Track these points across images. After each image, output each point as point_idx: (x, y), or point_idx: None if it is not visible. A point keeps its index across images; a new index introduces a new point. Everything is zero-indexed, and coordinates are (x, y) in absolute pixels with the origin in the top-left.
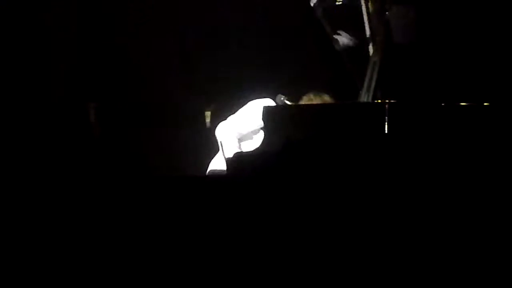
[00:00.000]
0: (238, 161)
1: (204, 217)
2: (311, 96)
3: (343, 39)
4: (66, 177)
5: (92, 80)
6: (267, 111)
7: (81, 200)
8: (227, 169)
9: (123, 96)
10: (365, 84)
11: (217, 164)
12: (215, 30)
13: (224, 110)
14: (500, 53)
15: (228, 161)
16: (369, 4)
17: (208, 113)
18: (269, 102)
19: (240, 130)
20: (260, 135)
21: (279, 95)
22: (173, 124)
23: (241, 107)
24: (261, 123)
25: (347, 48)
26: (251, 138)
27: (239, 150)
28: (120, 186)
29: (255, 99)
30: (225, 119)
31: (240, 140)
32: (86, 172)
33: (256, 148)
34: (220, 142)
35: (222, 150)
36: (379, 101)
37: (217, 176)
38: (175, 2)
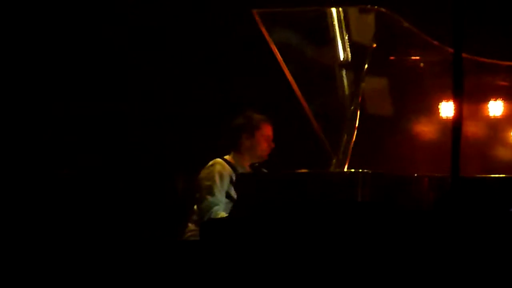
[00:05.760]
0: (211, 227)
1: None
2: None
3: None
4: None
5: None
6: (241, 178)
7: None
8: (200, 234)
9: None
10: (340, 152)
11: None
12: None
13: None
14: None
15: (202, 227)
16: (344, 73)
17: None
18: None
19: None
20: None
21: (254, 164)
22: None
23: None
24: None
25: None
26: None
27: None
28: None
29: None
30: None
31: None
32: None
33: (228, 215)
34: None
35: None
36: (353, 170)
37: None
38: None
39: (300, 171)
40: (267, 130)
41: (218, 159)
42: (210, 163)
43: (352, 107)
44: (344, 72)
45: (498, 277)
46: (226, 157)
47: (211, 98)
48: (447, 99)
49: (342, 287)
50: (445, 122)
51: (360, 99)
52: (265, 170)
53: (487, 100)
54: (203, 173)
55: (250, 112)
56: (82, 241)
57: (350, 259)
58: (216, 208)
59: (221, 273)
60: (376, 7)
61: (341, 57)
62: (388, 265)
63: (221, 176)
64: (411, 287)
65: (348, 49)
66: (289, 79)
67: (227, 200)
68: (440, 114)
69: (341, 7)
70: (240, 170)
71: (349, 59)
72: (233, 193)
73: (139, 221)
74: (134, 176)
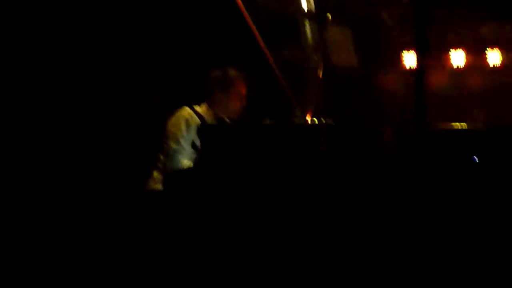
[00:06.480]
0: (175, 177)
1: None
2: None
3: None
4: None
5: None
6: (203, 129)
7: None
8: (164, 184)
9: None
10: (304, 103)
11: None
12: None
13: None
14: None
15: (166, 178)
16: (307, 23)
17: None
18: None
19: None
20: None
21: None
22: None
23: None
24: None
25: (285, 63)
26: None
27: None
28: None
29: None
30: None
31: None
32: None
33: (193, 166)
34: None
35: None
36: (316, 121)
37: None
38: None
39: (264, 122)
40: (241, 88)
41: (186, 107)
42: (178, 110)
43: (316, 58)
44: (307, 23)
45: (459, 226)
46: (196, 107)
47: (176, 51)
48: (410, 51)
49: (304, 237)
50: (408, 73)
51: (323, 49)
52: (228, 121)
53: (450, 50)
54: (170, 120)
55: (227, 68)
56: (49, 193)
57: (314, 209)
58: (178, 156)
59: (183, 224)
60: None
61: (305, 8)
62: (349, 214)
63: (188, 125)
64: (372, 238)
65: (312, 0)
66: (253, 31)
67: (192, 150)
68: (404, 65)
69: None
70: (209, 122)
71: (313, 10)
72: (199, 143)
73: (105, 171)
74: (98, 128)
